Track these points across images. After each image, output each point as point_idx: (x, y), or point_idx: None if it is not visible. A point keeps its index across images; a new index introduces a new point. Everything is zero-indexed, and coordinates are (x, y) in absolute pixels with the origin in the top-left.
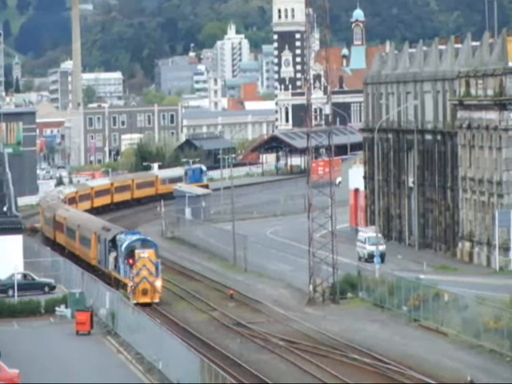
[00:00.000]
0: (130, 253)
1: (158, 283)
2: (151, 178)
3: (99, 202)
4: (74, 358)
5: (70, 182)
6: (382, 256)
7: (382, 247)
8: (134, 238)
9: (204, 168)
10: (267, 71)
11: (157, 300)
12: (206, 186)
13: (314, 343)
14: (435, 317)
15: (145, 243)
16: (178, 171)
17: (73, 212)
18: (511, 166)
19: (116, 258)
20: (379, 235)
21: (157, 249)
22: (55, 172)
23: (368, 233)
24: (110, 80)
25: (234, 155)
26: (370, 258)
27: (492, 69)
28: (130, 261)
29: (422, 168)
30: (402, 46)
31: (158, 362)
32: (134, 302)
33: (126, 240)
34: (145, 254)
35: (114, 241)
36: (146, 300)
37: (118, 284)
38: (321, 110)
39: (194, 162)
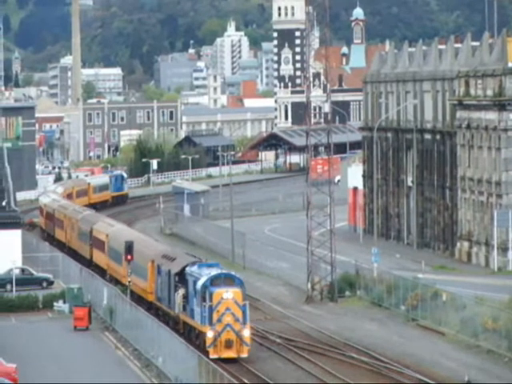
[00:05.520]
0: (204, 291)
1: (246, 332)
2: (85, 185)
3: None
4: (72, 353)
5: (69, 177)
6: None
7: None
8: (213, 272)
9: (125, 175)
10: (267, 69)
11: (245, 354)
12: (126, 196)
13: (311, 341)
14: (433, 316)
15: (228, 279)
16: (105, 178)
17: (118, 228)
18: (510, 167)
19: (186, 298)
20: None
21: (243, 286)
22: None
23: None
24: (110, 76)
25: (233, 152)
26: None
27: (492, 69)
28: (129, 257)
29: (420, 167)
30: (402, 45)
31: (157, 358)
32: (215, 356)
33: (201, 275)
34: (229, 295)
35: (182, 274)
36: (231, 354)
37: (189, 332)
38: (320, 108)
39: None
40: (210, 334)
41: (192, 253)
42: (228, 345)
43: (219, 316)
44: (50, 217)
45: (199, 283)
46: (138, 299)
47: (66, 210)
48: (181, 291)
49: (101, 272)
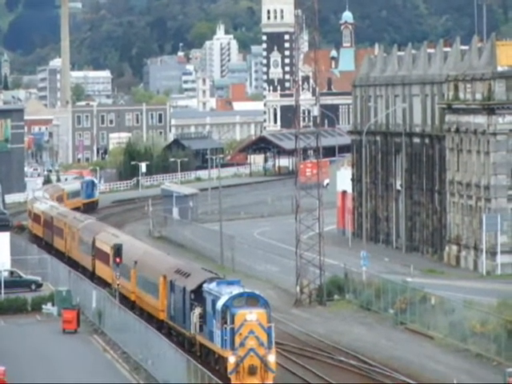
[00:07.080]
0: (225, 311)
1: (272, 358)
2: (60, 192)
3: None
4: (61, 355)
5: (58, 180)
6: None
7: None
8: (235, 291)
9: (96, 181)
10: (256, 72)
11: (270, 381)
12: (96, 203)
13: (300, 345)
14: (422, 320)
15: (251, 299)
16: (77, 184)
17: (124, 239)
18: (499, 171)
19: (203, 317)
20: None
21: (268, 307)
22: (43, 169)
23: None
24: (99, 78)
25: (221, 155)
26: None
27: (481, 73)
28: (117, 259)
29: (409, 171)
30: (391, 48)
31: (146, 361)
32: None
33: (221, 293)
34: (252, 316)
35: (198, 291)
36: (255, 381)
37: (207, 355)
38: (309, 111)
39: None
40: (231, 360)
41: (180, 256)
42: (252, 371)
43: (242, 339)
44: (49, 225)
45: (219, 303)
46: (148, 317)
47: (66, 217)
48: (197, 310)
49: (104, 285)
